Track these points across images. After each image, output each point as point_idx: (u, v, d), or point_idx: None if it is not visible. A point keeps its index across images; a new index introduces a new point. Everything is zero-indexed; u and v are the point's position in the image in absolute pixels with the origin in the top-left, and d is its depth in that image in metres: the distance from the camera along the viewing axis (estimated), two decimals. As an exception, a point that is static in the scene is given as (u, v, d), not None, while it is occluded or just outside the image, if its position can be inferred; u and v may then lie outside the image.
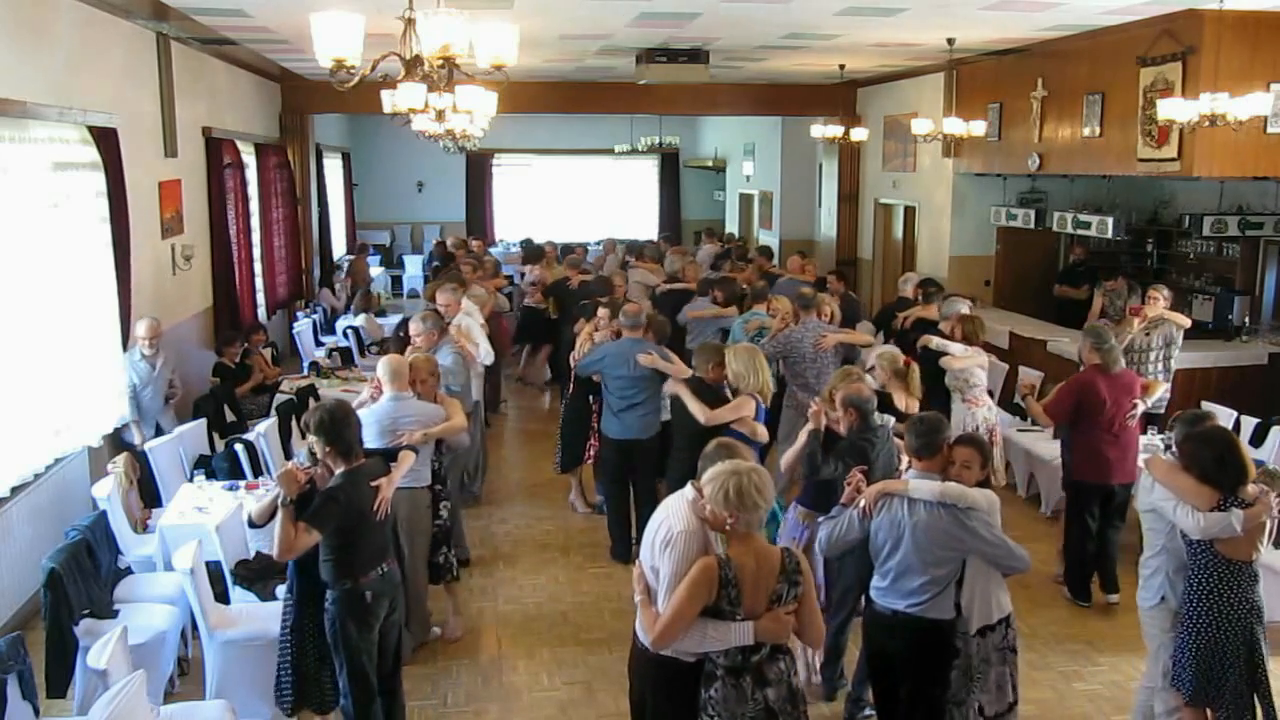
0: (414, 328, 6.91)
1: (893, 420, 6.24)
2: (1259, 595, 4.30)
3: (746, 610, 3.44)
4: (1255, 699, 4.30)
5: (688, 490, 3.64)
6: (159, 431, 7.35)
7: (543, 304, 11.50)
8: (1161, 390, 7.10)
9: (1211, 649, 4.26)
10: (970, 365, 7.39)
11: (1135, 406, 6.38)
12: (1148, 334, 7.96)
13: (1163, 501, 4.34)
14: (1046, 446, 7.81)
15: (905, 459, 4.52)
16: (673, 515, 3.60)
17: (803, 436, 5.13)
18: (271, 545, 4.85)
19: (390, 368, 5.55)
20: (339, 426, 4.28)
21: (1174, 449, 6.89)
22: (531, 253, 12.84)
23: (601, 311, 7.91)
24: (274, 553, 4.13)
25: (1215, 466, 4.21)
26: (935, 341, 7.69)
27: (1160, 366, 7.99)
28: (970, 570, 4.24)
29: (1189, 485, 4.24)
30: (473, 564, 7.00)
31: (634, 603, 3.69)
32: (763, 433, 6.02)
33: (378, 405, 5.51)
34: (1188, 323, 8.08)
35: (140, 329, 7.36)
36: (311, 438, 4.31)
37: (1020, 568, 4.26)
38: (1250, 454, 4.43)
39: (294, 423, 7.99)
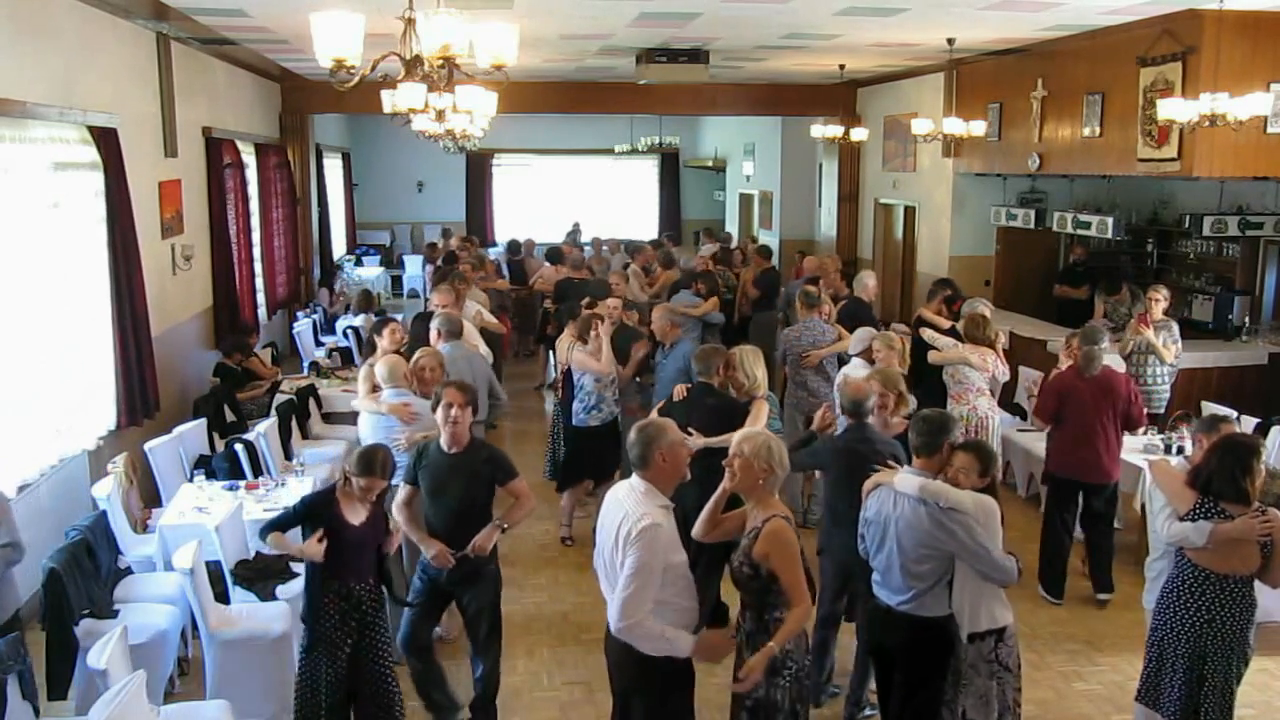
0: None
1: (914, 403, 6.19)
2: (1232, 610, 4.16)
3: None
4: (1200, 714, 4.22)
5: (634, 481, 3.72)
6: None
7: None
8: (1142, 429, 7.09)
9: (1159, 649, 4.32)
10: (956, 361, 7.40)
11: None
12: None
13: (1149, 502, 4.40)
14: (1045, 447, 7.78)
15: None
16: (640, 508, 3.63)
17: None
18: (271, 547, 4.88)
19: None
20: (474, 393, 4.86)
21: (1175, 449, 6.90)
22: (552, 254, 12.83)
23: (612, 301, 8.07)
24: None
25: (1197, 467, 4.29)
26: (927, 334, 7.85)
27: (1164, 369, 7.98)
28: (959, 574, 4.18)
29: (1176, 488, 4.30)
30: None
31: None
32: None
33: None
34: (1169, 357, 8.05)
35: None
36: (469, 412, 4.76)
37: (1003, 579, 4.12)
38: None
39: (293, 422, 7.99)
